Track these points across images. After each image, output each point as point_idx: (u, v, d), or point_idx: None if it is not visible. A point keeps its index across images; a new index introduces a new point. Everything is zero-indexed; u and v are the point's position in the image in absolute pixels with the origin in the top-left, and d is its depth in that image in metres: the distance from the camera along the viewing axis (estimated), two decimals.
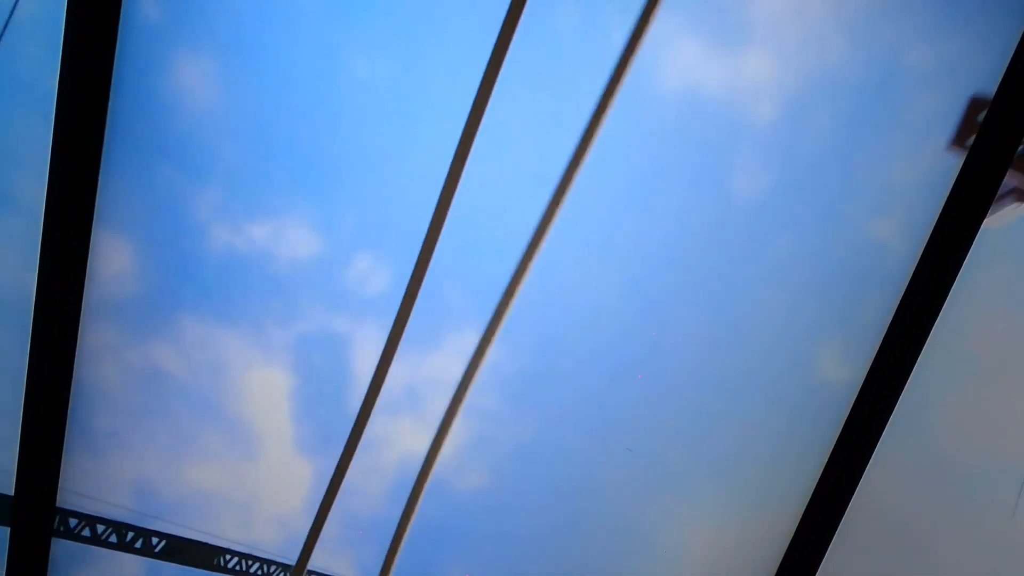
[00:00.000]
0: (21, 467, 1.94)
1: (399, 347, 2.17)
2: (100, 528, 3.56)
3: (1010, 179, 1.78)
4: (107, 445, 2.36)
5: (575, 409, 2.34)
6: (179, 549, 3.67)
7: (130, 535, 4.08)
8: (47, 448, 1.97)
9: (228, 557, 3.88)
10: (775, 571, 2.30)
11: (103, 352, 2.17)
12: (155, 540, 3.95)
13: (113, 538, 4.48)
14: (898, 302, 2.08)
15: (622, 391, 2.32)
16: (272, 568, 3.63)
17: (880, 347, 2.10)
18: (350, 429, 2.28)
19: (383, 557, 2.67)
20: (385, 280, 2.16)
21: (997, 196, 1.83)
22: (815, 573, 2.24)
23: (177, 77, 1.95)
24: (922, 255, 2.02)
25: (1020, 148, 1.90)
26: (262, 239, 2.18)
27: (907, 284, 2.04)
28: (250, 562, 3.75)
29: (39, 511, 2.01)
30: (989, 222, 1.77)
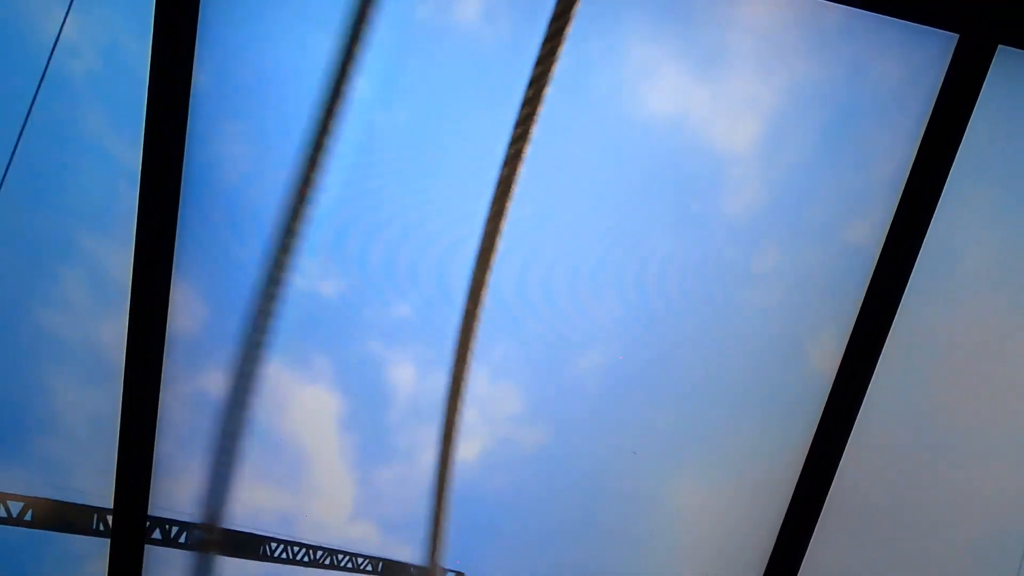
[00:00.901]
0: (118, 486, 2.27)
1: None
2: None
3: None
4: (164, 468, 2.53)
5: (583, 411, 2.48)
6: (223, 541, 3.96)
7: (174, 530, 4.39)
8: (139, 467, 2.30)
9: (273, 545, 4.19)
10: (777, 528, 2.63)
11: (165, 385, 2.33)
12: (199, 533, 4.26)
13: (157, 534, 4.78)
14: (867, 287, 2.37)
15: (625, 393, 2.46)
16: (319, 553, 3.93)
17: (854, 329, 2.41)
18: (439, 432, 2.58)
19: (421, 557, 2.98)
20: (407, 309, 2.31)
21: None
22: (813, 526, 2.56)
23: (220, 137, 2.07)
24: (883, 249, 2.31)
25: None
26: (300, 279, 2.33)
27: (872, 273, 2.33)
28: (296, 549, 4.05)
29: (134, 523, 2.34)
30: None
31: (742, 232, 2.39)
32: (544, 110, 2.29)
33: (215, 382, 2.51)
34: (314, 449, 2.71)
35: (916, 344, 2.46)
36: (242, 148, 2.33)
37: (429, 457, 2.75)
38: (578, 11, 2.23)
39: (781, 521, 2.57)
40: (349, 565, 3.87)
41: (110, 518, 3.13)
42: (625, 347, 2.55)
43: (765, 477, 2.59)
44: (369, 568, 3.72)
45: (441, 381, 2.56)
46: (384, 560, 3.46)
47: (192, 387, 2.48)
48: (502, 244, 2.36)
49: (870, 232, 2.35)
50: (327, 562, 3.92)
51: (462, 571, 3.13)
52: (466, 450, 2.71)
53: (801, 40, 2.28)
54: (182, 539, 3.09)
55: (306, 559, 3.85)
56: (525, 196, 2.39)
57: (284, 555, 3.71)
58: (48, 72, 2.20)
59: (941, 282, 2.41)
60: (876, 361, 2.29)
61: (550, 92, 2.28)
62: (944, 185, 2.13)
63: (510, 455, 2.69)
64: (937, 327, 2.45)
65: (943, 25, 2.09)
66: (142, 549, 2.45)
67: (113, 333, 2.45)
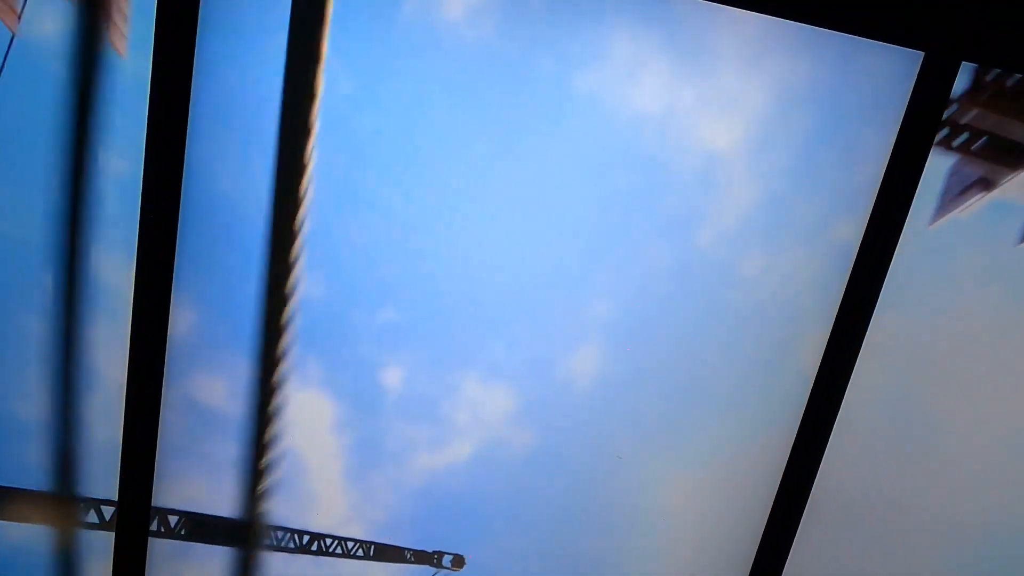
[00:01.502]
0: (122, 480, 2.34)
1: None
2: (108, 512, 3.62)
3: (976, 169, 2.03)
4: (157, 469, 2.55)
5: (572, 411, 2.53)
6: (202, 527, 3.90)
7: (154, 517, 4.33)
8: (143, 466, 2.36)
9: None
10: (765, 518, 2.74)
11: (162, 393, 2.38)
12: (173, 520, 4.17)
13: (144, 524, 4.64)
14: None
15: (612, 393, 2.51)
16: (305, 539, 3.93)
17: (833, 327, 2.52)
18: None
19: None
20: (390, 315, 2.38)
21: (964, 187, 2.17)
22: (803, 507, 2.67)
23: (217, 147, 2.08)
24: (859, 249, 2.43)
25: (985, 138, 2.27)
26: (291, 284, 2.37)
27: (850, 272, 2.45)
28: (281, 534, 4.04)
29: (138, 515, 2.41)
30: (958, 212, 2.09)
31: (728, 232, 2.49)
32: (530, 111, 2.35)
33: (208, 387, 2.58)
34: (307, 453, 2.78)
35: (897, 342, 2.58)
36: (238, 158, 2.38)
37: (421, 460, 2.84)
38: (561, 10, 2.29)
39: (766, 519, 2.67)
40: (339, 551, 3.86)
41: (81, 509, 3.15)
42: (615, 348, 2.64)
43: (750, 476, 2.69)
44: (360, 553, 3.71)
45: (431, 383, 2.65)
46: (376, 544, 3.41)
47: (184, 392, 2.54)
48: (495, 247, 2.44)
49: (857, 232, 2.45)
50: (314, 548, 3.86)
51: (461, 554, 3.17)
52: (458, 450, 2.81)
53: (785, 41, 2.37)
54: (153, 527, 3.12)
55: (291, 545, 3.82)
56: (515, 199, 2.46)
57: (269, 541, 3.68)
58: (49, 79, 2.24)
59: (921, 280, 2.53)
60: (855, 359, 2.40)
61: (536, 94, 2.34)
62: (915, 191, 2.25)
63: (500, 455, 2.79)
64: (918, 325, 2.58)
65: (908, 44, 2.21)
66: (146, 541, 2.53)
67: (109, 339, 2.50)
